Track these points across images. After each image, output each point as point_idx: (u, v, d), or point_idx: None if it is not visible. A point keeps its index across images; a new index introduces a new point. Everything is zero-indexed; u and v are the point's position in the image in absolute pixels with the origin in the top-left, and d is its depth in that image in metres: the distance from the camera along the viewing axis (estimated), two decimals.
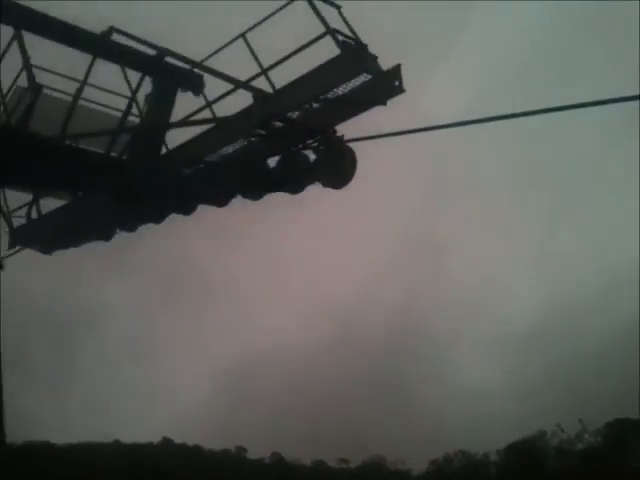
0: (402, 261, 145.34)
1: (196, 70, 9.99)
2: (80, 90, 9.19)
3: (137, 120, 10.37)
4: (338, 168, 8.48)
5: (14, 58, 8.85)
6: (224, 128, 9.11)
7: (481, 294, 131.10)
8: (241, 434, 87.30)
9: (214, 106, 9.38)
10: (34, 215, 11.28)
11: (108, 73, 9.88)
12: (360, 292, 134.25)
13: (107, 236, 10.70)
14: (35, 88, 8.33)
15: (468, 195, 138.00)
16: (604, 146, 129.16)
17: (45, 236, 11.38)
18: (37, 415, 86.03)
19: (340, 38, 7.83)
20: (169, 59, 9.83)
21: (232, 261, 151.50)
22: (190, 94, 10.23)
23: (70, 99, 9.24)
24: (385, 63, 8.00)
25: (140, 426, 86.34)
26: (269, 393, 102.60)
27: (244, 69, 8.87)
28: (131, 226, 10.34)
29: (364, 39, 7.99)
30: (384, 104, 8.04)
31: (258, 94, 8.71)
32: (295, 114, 8.62)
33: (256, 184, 9.30)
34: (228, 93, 9.20)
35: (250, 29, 8.70)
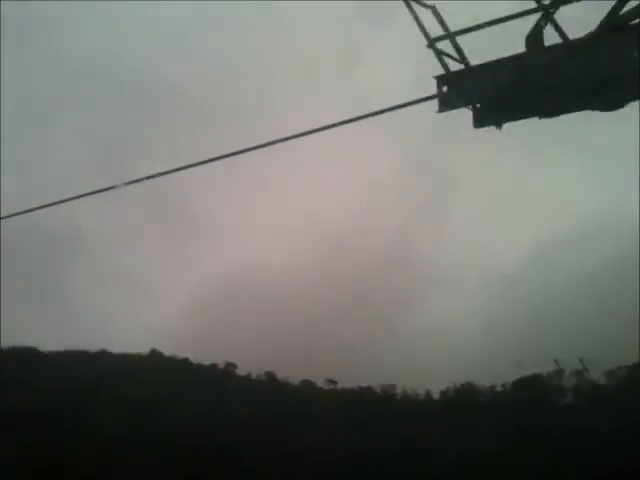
0: (402, 194, 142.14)
1: None
2: None
3: None
4: None
5: None
6: None
7: (475, 235, 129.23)
8: (229, 351, 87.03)
9: None
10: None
11: None
12: (357, 222, 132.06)
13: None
14: None
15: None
16: None
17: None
18: (24, 321, 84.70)
19: None
20: None
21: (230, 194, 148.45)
22: None
23: None
24: None
25: (126, 337, 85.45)
26: (257, 313, 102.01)
27: None
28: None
29: None
30: None
31: None
32: None
33: None
34: None
35: None
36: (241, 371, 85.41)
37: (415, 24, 6.53)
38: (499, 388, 59.18)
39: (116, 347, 77.28)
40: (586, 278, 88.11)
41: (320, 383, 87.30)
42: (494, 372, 63.90)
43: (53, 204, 9.77)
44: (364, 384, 78.01)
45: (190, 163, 8.53)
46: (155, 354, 78.07)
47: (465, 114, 6.61)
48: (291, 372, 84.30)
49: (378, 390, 69.64)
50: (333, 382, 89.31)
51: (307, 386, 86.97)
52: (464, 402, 56.12)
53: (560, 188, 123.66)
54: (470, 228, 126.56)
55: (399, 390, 68.79)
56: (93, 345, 77.54)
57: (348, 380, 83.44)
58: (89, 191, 9.36)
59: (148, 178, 8.82)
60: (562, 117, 6.49)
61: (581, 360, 61.01)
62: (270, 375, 77.63)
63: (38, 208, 9.87)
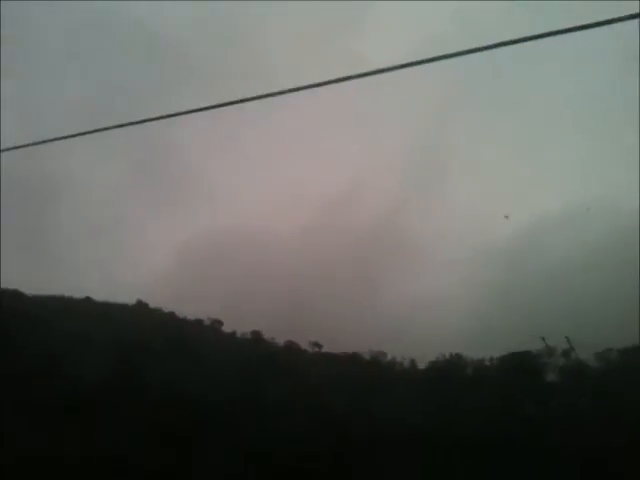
0: (403, 165, 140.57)
1: None
2: None
3: None
4: None
5: None
6: None
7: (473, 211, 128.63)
8: (214, 308, 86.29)
9: None
10: None
11: None
12: (351, 189, 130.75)
13: None
14: None
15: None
16: None
17: None
18: (9, 264, 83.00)
19: None
20: None
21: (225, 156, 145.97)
22: None
23: None
24: None
25: (113, 286, 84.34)
26: (243, 273, 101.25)
27: None
28: None
29: None
30: None
31: None
32: None
33: None
34: None
35: None
36: (226, 329, 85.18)
37: None
38: (487, 362, 59.20)
39: (100, 296, 76.23)
40: (583, 259, 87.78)
41: (304, 345, 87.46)
42: (481, 347, 64.05)
43: (44, 142, 9.58)
44: (349, 350, 78.04)
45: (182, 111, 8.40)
46: (141, 305, 77.00)
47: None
48: (276, 333, 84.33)
49: (367, 356, 69.19)
50: (318, 345, 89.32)
51: (291, 347, 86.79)
52: (453, 373, 55.97)
53: (559, 168, 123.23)
54: (467, 204, 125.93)
55: (389, 357, 68.36)
56: (78, 292, 76.38)
57: (333, 345, 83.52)
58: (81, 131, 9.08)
59: (138, 123, 8.77)
60: None
61: (567, 339, 60.86)
62: (256, 334, 76.94)
63: (31, 145, 9.68)
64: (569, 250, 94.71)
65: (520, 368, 52.37)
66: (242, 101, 7.87)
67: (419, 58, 6.66)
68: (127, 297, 77.58)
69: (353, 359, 76.03)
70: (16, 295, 72.83)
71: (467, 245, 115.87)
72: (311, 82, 7.42)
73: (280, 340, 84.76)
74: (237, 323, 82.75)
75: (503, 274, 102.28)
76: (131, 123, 9.04)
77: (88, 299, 74.80)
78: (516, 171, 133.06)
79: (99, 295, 75.69)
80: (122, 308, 73.91)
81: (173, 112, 8.69)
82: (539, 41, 6.02)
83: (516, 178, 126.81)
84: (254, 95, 7.59)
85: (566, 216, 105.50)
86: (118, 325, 61.01)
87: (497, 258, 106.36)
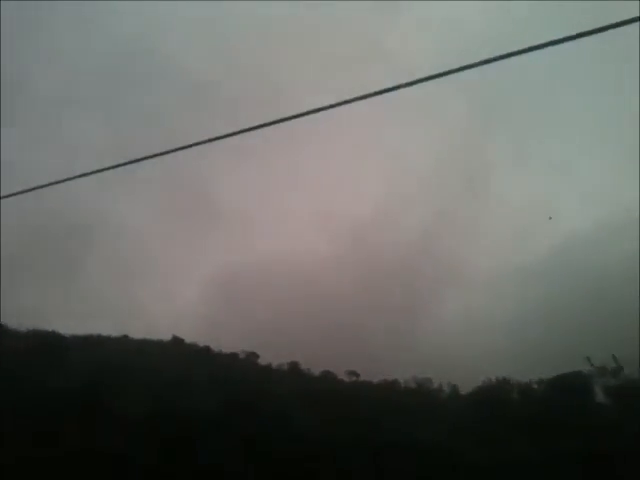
0: (435, 185, 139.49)
1: None
2: None
3: None
4: None
5: None
6: None
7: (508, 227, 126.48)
8: (249, 339, 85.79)
9: None
10: None
11: None
12: (381, 213, 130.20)
13: None
14: None
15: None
16: None
17: None
18: (48, 305, 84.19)
19: None
20: None
21: (251, 184, 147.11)
22: None
23: None
24: None
25: (145, 323, 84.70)
26: (275, 302, 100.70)
27: None
28: None
29: None
30: None
31: None
32: None
33: None
34: None
35: None
36: (262, 361, 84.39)
37: None
38: (534, 385, 57.02)
39: (138, 333, 76.57)
40: (615, 274, 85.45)
41: (340, 375, 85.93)
42: (520, 370, 61.95)
43: (69, 179, 9.58)
44: (388, 377, 76.43)
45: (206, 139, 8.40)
46: (176, 341, 76.95)
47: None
48: (311, 363, 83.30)
49: (413, 384, 67.41)
50: (355, 374, 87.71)
51: (327, 377, 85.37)
52: (500, 398, 53.87)
53: (583, 186, 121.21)
54: (497, 225, 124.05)
55: (435, 384, 66.46)
56: (115, 331, 76.90)
57: (369, 373, 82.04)
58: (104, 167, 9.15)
59: (158, 155, 8.75)
60: None
61: (614, 357, 58.42)
62: (294, 365, 75.96)
63: (54, 183, 9.69)
64: (607, 264, 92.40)
65: (570, 389, 50.22)
66: (263, 125, 7.84)
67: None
68: (162, 333, 78.04)
69: (392, 387, 74.49)
70: (54, 336, 73.49)
71: (503, 264, 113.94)
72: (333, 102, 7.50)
73: (316, 371, 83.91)
74: (271, 355, 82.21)
75: (541, 292, 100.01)
76: (155, 155, 8.93)
77: (125, 337, 75.10)
78: (549, 187, 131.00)
79: (135, 332, 76.20)
80: (158, 344, 73.97)
81: (199, 140, 8.58)
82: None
83: (550, 194, 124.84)
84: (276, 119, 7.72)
85: (602, 230, 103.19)
86: (156, 361, 60.91)
87: (534, 276, 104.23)
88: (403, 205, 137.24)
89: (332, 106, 7.70)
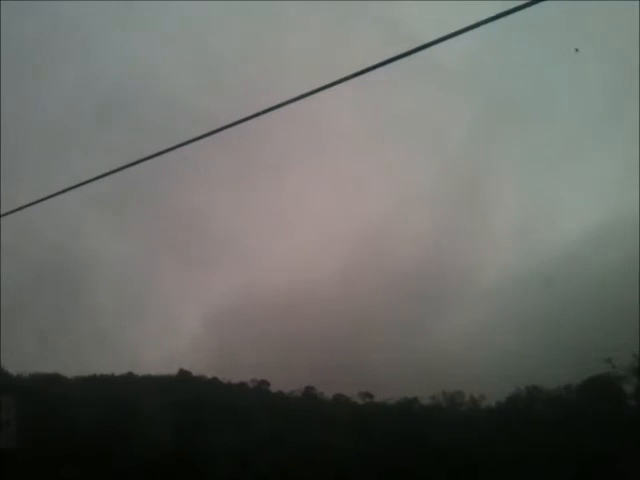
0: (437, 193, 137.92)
1: None
2: None
3: None
4: None
5: None
6: None
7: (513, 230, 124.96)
8: (255, 368, 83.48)
9: None
10: None
11: None
12: (385, 226, 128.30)
13: None
14: None
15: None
16: None
17: None
18: (44, 348, 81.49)
19: None
20: None
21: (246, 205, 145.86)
22: None
23: None
24: None
25: (151, 360, 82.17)
26: (279, 326, 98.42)
27: None
28: None
29: None
30: None
31: None
32: None
33: None
34: None
35: None
36: (273, 388, 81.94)
37: None
38: (562, 392, 55.05)
39: (142, 370, 74.16)
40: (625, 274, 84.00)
41: (354, 397, 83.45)
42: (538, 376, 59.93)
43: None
44: (405, 396, 74.10)
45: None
46: (184, 374, 74.76)
47: None
48: (324, 387, 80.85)
49: (442, 398, 65.18)
50: (369, 395, 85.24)
51: (340, 400, 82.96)
52: (533, 408, 51.89)
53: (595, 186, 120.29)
54: (504, 227, 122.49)
55: (467, 398, 64.12)
56: (117, 370, 74.51)
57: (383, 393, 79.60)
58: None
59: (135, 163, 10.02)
60: None
61: (635, 356, 56.59)
62: (309, 391, 73.64)
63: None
64: (611, 266, 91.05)
65: (604, 393, 48.33)
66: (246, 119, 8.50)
67: None
68: (167, 368, 75.63)
69: (409, 405, 72.19)
70: (54, 378, 71.16)
71: (508, 272, 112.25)
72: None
73: (329, 394, 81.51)
74: (280, 382, 79.86)
75: (546, 298, 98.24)
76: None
77: (130, 374, 72.77)
78: (553, 193, 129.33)
79: (139, 369, 73.83)
80: (165, 379, 71.61)
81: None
82: None
83: (553, 200, 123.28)
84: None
85: (605, 233, 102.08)
86: (167, 396, 58.59)
87: (539, 283, 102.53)
88: (404, 217, 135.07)
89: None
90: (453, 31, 6.86)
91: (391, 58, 7.90)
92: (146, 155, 10.20)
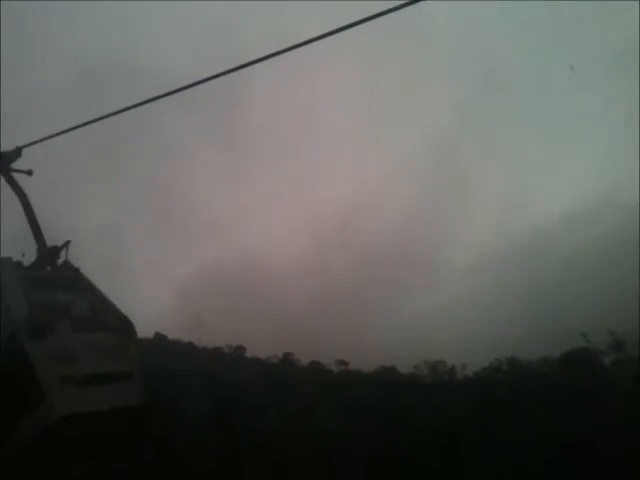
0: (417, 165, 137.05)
1: None
2: None
3: None
4: None
5: None
6: None
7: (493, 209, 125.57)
8: (231, 336, 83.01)
9: None
10: None
11: None
12: (364, 201, 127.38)
13: None
14: None
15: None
16: None
17: None
18: None
19: None
20: None
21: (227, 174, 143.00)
22: None
23: None
24: None
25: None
26: (257, 296, 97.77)
27: None
28: None
29: None
30: None
31: None
32: None
33: None
34: None
35: None
36: (248, 354, 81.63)
37: None
38: (541, 365, 55.79)
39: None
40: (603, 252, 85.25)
41: (330, 365, 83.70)
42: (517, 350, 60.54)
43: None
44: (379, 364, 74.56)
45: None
46: (160, 338, 73.93)
47: None
48: (298, 355, 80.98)
49: (425, 368, 65.62)
50: (344, 363, 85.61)
51: (316, 367, 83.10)
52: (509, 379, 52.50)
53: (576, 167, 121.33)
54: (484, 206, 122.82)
55: (448, 366, 64.59)
56: None
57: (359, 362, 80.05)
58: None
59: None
60: None
61: (612, 333, 57.52)
62: (286, 357, 73.53)
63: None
64: (587, 244, 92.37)
65: (586, 366, 49.09)
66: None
67: None
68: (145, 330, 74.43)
69: (387, 373, 72.64)
70: None
71: (485, 249, 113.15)
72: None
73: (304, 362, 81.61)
74: (257, 347, 79.62)
75: (525, 274, 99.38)
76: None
77: None
78: (533, 171, 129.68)
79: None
80: (142, 342, 70.39)
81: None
82: None
83: (534, 178, 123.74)
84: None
85: (582, 212, 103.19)
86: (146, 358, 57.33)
87: (517, 259, 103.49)
88: (384, 194, 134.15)
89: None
90: None
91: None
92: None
